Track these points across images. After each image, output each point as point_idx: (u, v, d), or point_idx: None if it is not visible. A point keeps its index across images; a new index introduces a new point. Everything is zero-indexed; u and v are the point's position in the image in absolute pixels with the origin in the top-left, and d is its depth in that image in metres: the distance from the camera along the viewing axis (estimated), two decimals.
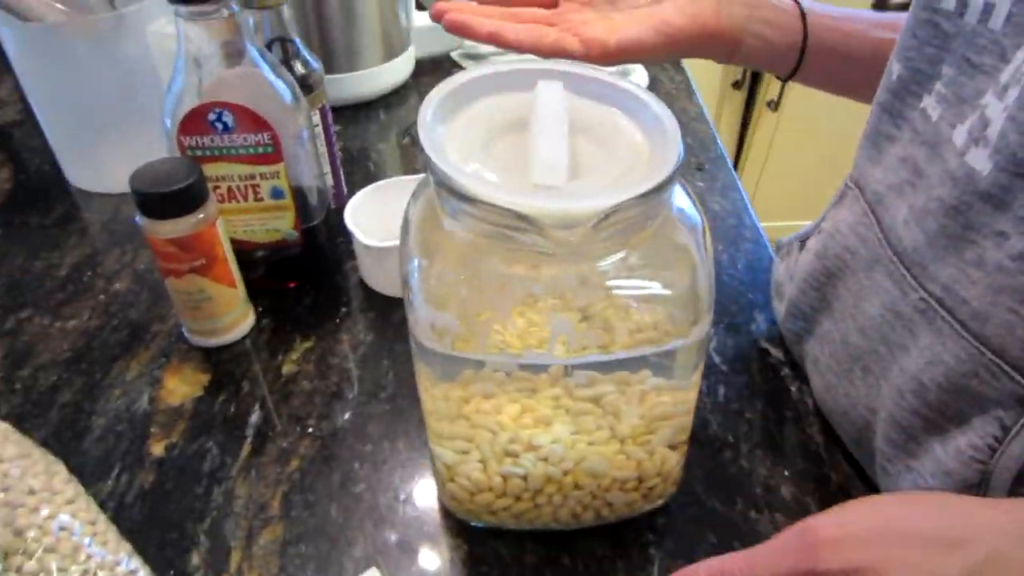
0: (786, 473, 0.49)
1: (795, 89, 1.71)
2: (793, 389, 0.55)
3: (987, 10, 0.37)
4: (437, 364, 0.38)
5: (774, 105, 1.73)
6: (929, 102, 0.42)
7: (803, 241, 0.56)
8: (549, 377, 0.39)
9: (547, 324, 0.37)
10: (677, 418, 0.41)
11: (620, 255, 0.34)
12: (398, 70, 0.93)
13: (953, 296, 0.38)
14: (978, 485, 0.38)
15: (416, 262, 0.36)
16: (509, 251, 0.34)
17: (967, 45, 0.39)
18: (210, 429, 0.52)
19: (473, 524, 0.45)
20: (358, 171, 0.80)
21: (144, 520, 0.46)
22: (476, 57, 1.01)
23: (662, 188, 0.32)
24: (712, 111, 1.52)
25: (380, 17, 0.88)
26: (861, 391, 0.46)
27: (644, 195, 0.32)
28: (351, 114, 0.91)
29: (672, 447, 0.42)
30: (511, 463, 0.41)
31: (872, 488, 0.48)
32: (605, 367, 0.38)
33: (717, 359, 0.57)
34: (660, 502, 0.46)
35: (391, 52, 0.91)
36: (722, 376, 0.56)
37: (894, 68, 0.46)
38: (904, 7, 0.54)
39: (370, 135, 0.87)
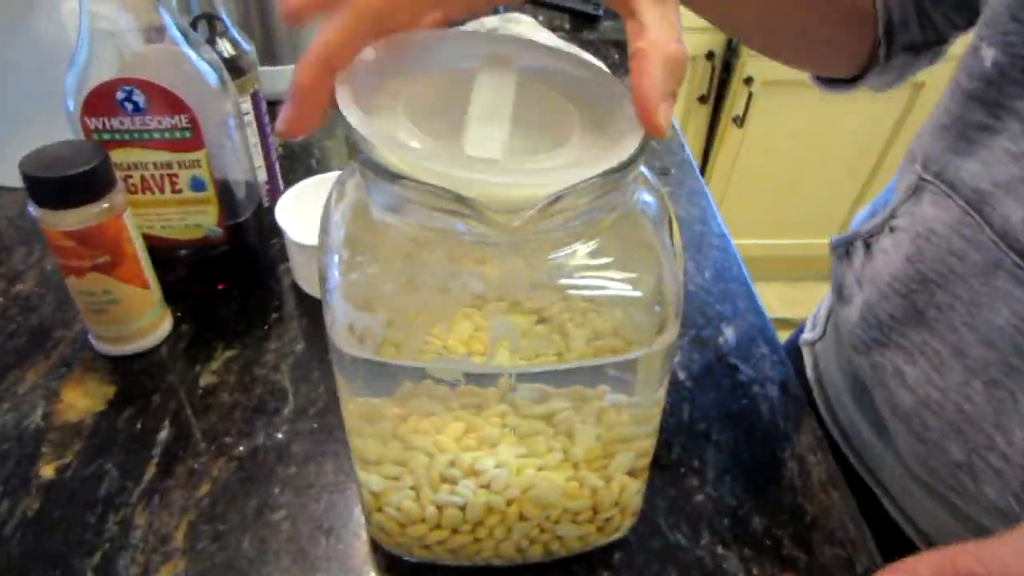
0: (756, 503, 0.44)
1: (760, 105, 1.70)
2: (764, 409, 0.50)
3: None
4: (359, 374, 0.33)
5: (739, 121, 1.71)
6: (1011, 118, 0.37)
7: (867, 241, 0.50)
8: (497, 391, 0.34)
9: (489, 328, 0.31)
10: (638, 440, 0.36)
11: (573, 248, 0.29)
12: None
13: None
14: None
15: (336, 256, 0.31)
16: (449, 244, 0.29)
17: None
18: (111, 448, 0.45)
19: (406, 559, 0.40)
20: (299, 167, 0.74)
21: (24, 554, 0.40)
22: None
23: (621, 170, 0.28)
24: (678, 125, 1.49)
25: None
26: (984, 407, 0.41)
27: (601, 175, 0.27)
28: None
29: (631, 473, 0.37)
30: (448, 491, 0.35)
31: (851, 521, 0.43)
32: (558, 379, 0.33)
33: (682, 375, 0.53)
34: (617, 535, 0.41)
35: None
36: (687, 393, 0.51)
37: (986, 54, 0.40)
38: None
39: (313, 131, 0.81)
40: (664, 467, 0.46)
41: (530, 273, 0.31)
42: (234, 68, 0.57)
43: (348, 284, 0.31)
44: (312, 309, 0.56)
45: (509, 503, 0.35)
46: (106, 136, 0.49)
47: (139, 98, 0.48)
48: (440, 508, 0.35)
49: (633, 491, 0.38)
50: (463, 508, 0.35)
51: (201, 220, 0.54)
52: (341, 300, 0.31)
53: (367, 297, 0.31)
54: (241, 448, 0.46)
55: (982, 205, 0.41)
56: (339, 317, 0.31)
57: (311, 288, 0.57)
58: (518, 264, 0.30)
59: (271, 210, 0.64)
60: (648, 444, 0.37)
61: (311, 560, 0.40)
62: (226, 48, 0.57)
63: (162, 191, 0.52)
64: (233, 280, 0.58)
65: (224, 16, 0.57)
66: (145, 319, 0.51)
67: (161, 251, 0.54)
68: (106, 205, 0.47)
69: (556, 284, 0.31)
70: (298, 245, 0.54)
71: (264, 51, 0.81)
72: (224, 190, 0.53)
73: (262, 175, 0.63)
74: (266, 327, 0.55)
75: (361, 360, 0.31)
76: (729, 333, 0.56)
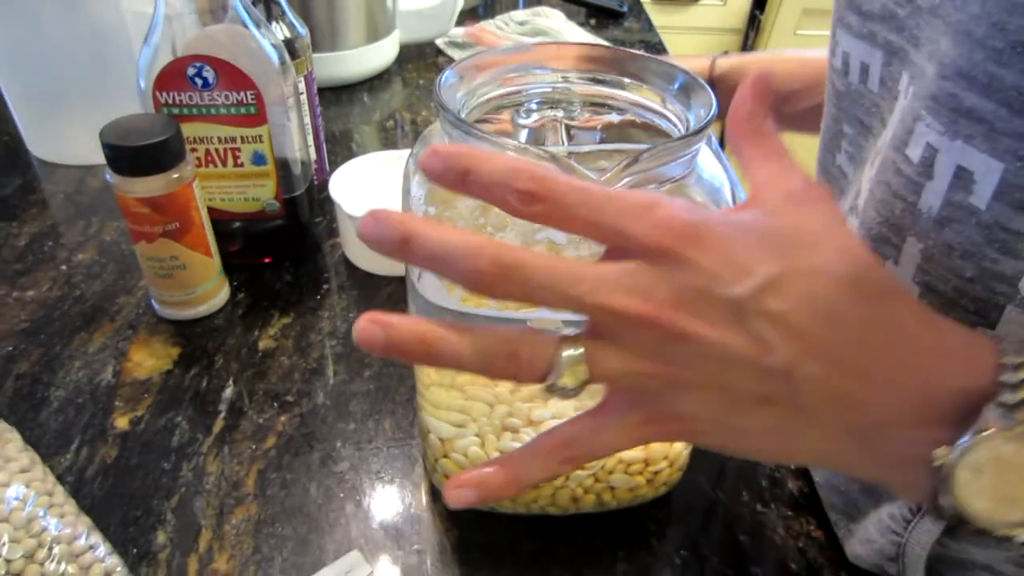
0: (792, 467, 0.47)
1: None
2: None
3: (864, 70, 0.36)
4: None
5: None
6: (842, 160, 0.41)
7: None
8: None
9: None
10: None
11: None
12: (382, 53, 0.91)
13: None
14: (894, 559, 0.36)
15: (421, 212, 0.34)
16: None
17: (856, 106, 0.38)
18: (180, 404, 0.48)
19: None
20: (340, 152, 0.77)
21: (106, 496, 0.42)
22: (462, 46, 0.98)
23: (693, 135, 0.30)
24: None
25: None
26: None
27: (676, 140, 0.29)
28: (333, 96, 0.88)
29: None
30: (511, 438, 0.38)
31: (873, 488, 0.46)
32: None
33: None
34: (664, 490, 0.43)
35: (375, 34, 0.89)
36: None
37: (823, 124, 0.44)
38: None
39: (353, 117, 0.84)
40: None
41: None
42: (290, 50, 0.60)
43: None
44: (362, 282, 0.59)
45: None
46: (175, 111, 0.52)
47: (208, 74, 0.51)
48: (503, 451, 0.38)
49: (682, 446, 0.41)
50: None
51: (260, 194, 0.56)
52: None
53: None
54: (302, 406, 0.48)
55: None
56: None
57: (361, 261, 0.59)
58: None
59: (319, 189, 0.67)
60: None
61: (374, 507, 0.43)
62: (282, 30, 0.60)
63: (225, 164, 0.55)
64: (286, 253, 0.61)
65: (282, 1, 0.60)
66: (207, 285, 0.54)
67: (220, 222, 0.56)
68: (177, 175, 0.49)
69: None
70: (352, 218, 0.56)
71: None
72: (281, 166, 0.56)
73: (312, 154, 0.65)
74: (318, 297, 0.57)
75: (449, 311, 0.34)
76: None
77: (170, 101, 0.52)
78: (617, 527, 0.43)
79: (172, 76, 0.51)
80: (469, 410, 0.38)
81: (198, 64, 0.50)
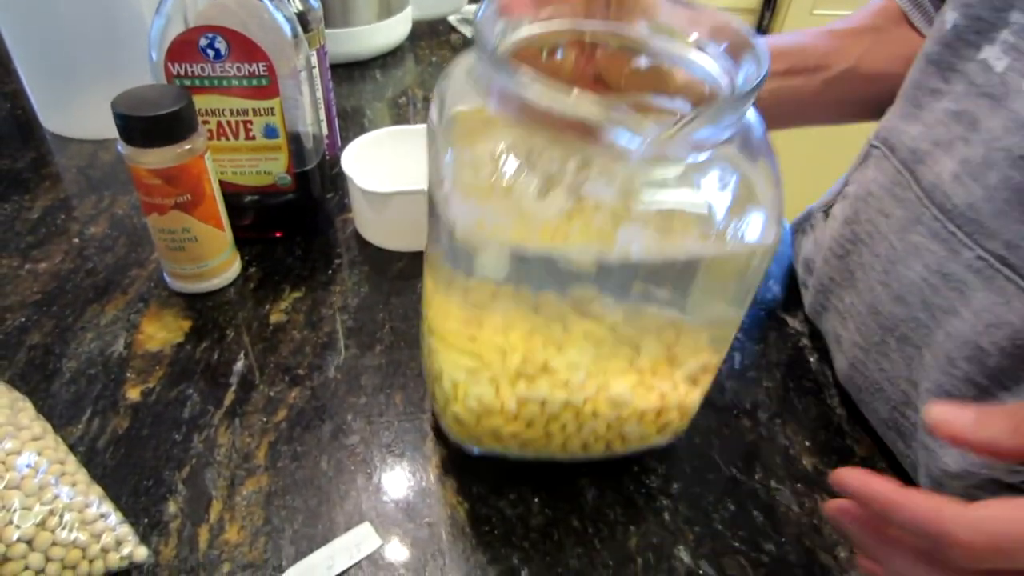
0: (807, 444, 0.46)
1: None
2: (812, 360, 0.52)
3: None
4: (468, 266, 0.34)
5: None
6: (992, 52, 0.39)
7: (826, 211, 0.53)
8: (571, 300, 0.35)
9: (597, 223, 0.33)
10: (707, 355, 0.38)
11: (693, 160, 0.31)
12: (395, 29, 0.90)
13: (1018, 253, 0.35)
14: None
15: (448, 152, 0.33)
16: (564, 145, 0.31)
17: None
18: (191, 376, 0.48)
19: (472, 450, 0.42)
20: (353, 126, 0.76)
21: (117, 466, 0.42)
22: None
23: (747, 95, 0.29)
24: None
25: None
26: (899, 364, 0.43)
27: (732, 99, 0.29)
28: (345, 72, 0.87)
29: (695, 381, 0.39)
30: (527, 387, 0.37)
31: (896, 464, 0.45)
32: (655, 277, 0.35)
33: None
34: (671, 439, 0.43)
35: (388, 10, 0.88)
36: (736, 343, 0.53)
37: (948, 17, 0.42)
38: None
39: (365, 94, 0.83)
40: (719, 409, 0.48)
41: (642, 179, 0.32)
42: (302, 23, 0.59)
43: (460, 169, 0.32)
44: (374, 257, 0.59)
45: (585, 402, 0.37)
46: (187, 82, 0.52)
47: (220, 45, 0.50)
48: (520, 402, 0.37)
49: (696, 396, 0.40)
50: (543, 404, 0.37)
51: (271, 167, 0.56)
52: (456, 192, 0.32)
53: (480, 187, 0.32)
54: (313, 379, 0.48)
55: (916, 164, 0.43)
56: (454, 205, 0.32)
57: (373, 236, 0.59)
58: (634, 171, 0.32)
59: (331, 164, 0.67)
60: (717, 360, 0.39)
61: (385, 480, 0.42)
62: (295, 3, 0.59)
63: (236, 137, 0.54)
64: (297, 227, 0.60)
65: None
66: (219, 258, 0.54)
67: (231, 196, 0.56)
68: (189, 146, 0.49)
69: (664, 190, 0.32)
70: (363, 192, 0.56)
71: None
72: (293, 139, 0.56)
73: (324, 129, 0.65)
74: (330, 272, 0.57)
75: (473, 248, 0.33)
76: (777, 290, 0.58)
77: (182, 73, 0.51)
78: (629, 501, 0.42)
79: (184, 47, 0.50)
80: (482, 355, 0.37)
81: (210, 35, 0.50)
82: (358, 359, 0.50)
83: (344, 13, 0.85)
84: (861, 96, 0.53)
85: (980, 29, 0.40)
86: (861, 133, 0.51)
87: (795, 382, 0.50)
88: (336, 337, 0.51)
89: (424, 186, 0.55)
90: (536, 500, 0.42)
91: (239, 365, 0.49)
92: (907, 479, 0.45)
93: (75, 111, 0.73)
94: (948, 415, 0.27)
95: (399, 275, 0.57)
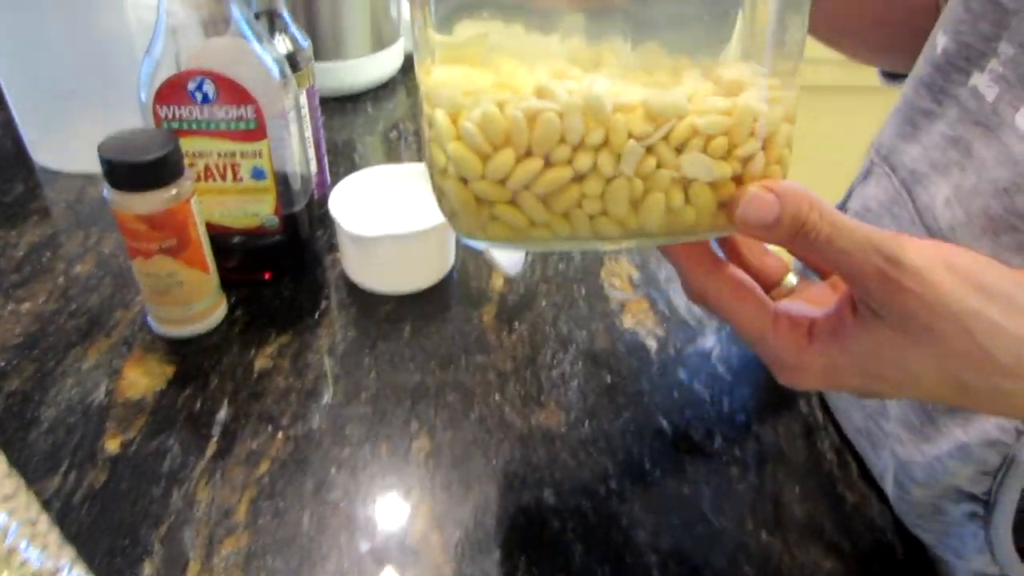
0: (797, 491, 0.46)
1: None
2: (802, 402, 0.52)
3: None
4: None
5: None
6: (981, 80, 0.40)
7: None
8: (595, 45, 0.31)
9: None
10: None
11: None
12: (387, 62, 0.90)
13: None
14: (998, 469, 0.37)
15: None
16: None
17: None
18: (172, 425, 0.47)
19: (478, 245, 0.35)
20: (342, 163, 0.76)
21: (92, 523, 0.41)
22: None
23: None
24: None
25: (370, 5, 0.85)
26: None
27: None
28: (337, 106, 0.87)
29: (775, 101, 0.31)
30: (538, 97, 0.29)
31: (888, 507, 0.45)
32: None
33: (720, 368, 0.54)
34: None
35: (380, 43, 0.88)
36: (727, 386, 0.53)
37: (939, 41, 0.43)
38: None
39: (356, 128, 0.83)
40: (708, 456, 0.47)
41: None
42: (292, 63, 0.59)
43: None
44: (361, 299, 0.58)
45: (616, 111, 0.29)
46: (175, 125, 0.51)
47: (209, 88, 0.50)
48: (531, 117, 0.29)
49: (782, 129, 0.31)
50: (560, 116, 0.29)
51: (259, 209, 0.56)
52: None
53: None
54: (297, 429, 0.47)
55: (914, 185, 0.43)
56: None
57: (360, 279, 0.58)
58: None
59: (320, 203, 0.66)
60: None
61: (369, 538, 0.42)
62: (285, 43, 0.59)
63: (224, 179, 0.54)
64: (285, 269, 0.60)
65: (284, 13, 0.59)
66: (204, 302, 0.53)
67: (218, 238, 0.55)
68: (175, 191, 0.48)
69: None
70: (352, 236, 0.55)
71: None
72: (281, 181, 0.55)
73: (312, 167, 0.64)
74: (317, 315, 0.56)
75: None
76: None
77: (170, 115, 0.51)
78: (618, 559, 0.41)
79: (173, 90, 0.50)
80: (483, 85, 0.30)
81: (198, 78, 0.50)
82: (343, 408, 0.49)
83: (336, 46, 0.85)
84: (871, 13, 0.53)
85: (969, 56, 0.41)
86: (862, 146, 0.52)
87: (785, 426, 0.50)
88: (321, 384, 0.51)
89: (413, 228, 0.54)
90: (523, 558, 0.41)
91: (222, 414, 0.48)
92: (875, 486, 0.46)
93: (65, 144, 0.73)
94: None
95: (386, 318, 0.56)
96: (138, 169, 0.46)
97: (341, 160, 0.76)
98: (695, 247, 0.34)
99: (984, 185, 0.38)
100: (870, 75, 0.63)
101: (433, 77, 0.31)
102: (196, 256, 0.51)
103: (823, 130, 1.74)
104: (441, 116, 0.30)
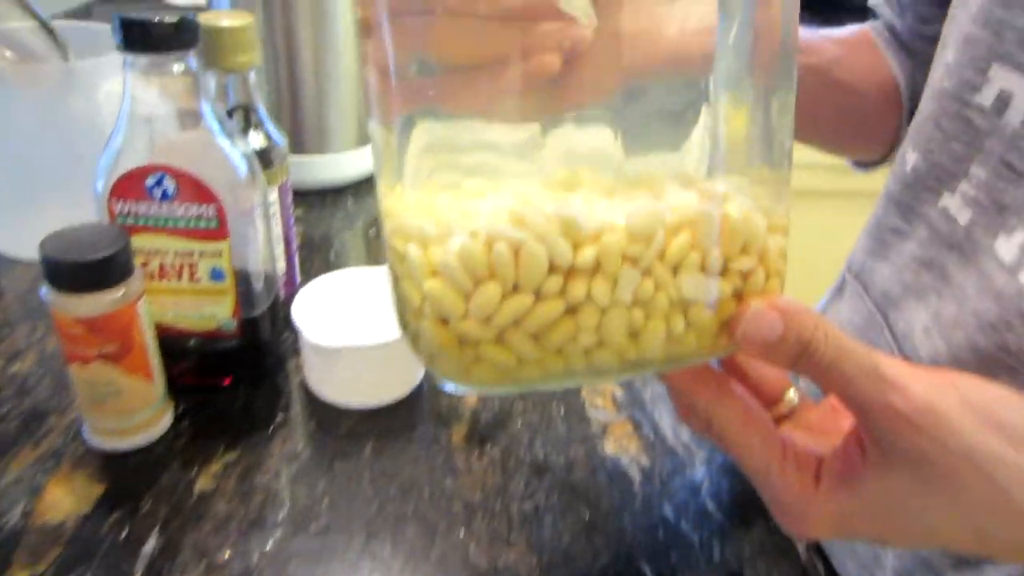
0: None
1: None
2: (800, 548, 0.47)
3: None
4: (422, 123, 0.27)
5: None
6: (952, 201, 0.38)
7: None
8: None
9: None
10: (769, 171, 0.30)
11: None
12: (370, 157, 0.88)
13: None
14: None
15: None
16: None
17: (1007, 148, 0.35)
18: (90, 559, 0.42)
19: (459, 389, 0.31)
20: (317, 260, 0.73)
21: None
22: None
23: None
24: None
25: (356, 99, 0.83)
26: None
27: None
28: (317, 199, 0.84)
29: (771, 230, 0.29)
30: (521, 224, 0.26)
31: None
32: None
33: (711, 505, 0.49)
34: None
35: (365, 137, 0.86)
36: (717, 527, 0.48)
37: (908, 158, 0.42)
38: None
39: (335, 222, 0.80)
40: None
41: None
42: (265, 159, 0.56)
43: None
44: (320, 412, 0.53)
45: (604, 232, 0.26)
46: (131, 221, 0.48)
47: (169, 185, 0.47)
48: (515, 248, 0.26)
49: (776, 253, 0.29)
50: (545, 244, 0.26)
51: (216, 311, 0.52)
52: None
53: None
54: (233, 568, 0.42)
55: (889, 308, 0.42)
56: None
57: (322, 390, 0.54)
58: None
59: (287, 302, 0.62)
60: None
61: None
62: (259, 139, 0.57)
63: (180, 279, 0.50)
64: (241, 376, 0.55)
65: (260, 108, 0.57)
66: (145, 413, 0.48)
67: (169, 341, 0.51)
68: (122, 292, 0.45)
69: None
70: (313, 346, 0.51)
71: (292, 141, 0.81)
72: (242, 281, 0.52)
73: (281, 266, 0.61)
74: (271, 429, 0.52)
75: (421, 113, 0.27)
76: None
77: (126, 211, 0.48)
78: None
79: (129, 185, 0.47)
80: (455, 214, 0.28)
81: (159, 174, 0.47)
82: (289, 540, 0.44)
83: (319, 139, 0.83)
84: (832, 102, 0.53)
85: (940, 176, 0.39)
86: (836, 262, 0.50)
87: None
88: (267, 512, 0.45)
89: (380, 339, 0.51)
90: None
91: (149, 546, 0.43)
92: None
93: (26, 231, 0.69)
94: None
95: (347, 434, 0.52)
96: (80, 269, 0.43)
97: (315, 257, 0.73)
98: (698, 371, 0.31)
99: (967, 317, 0.35)
100: (847, 180, 0.63)
101: (400, 205, 0.28)
102: (139, 363, 0.47)
103: (795, 238, 1.74)
104: (415, 251, 0.28)
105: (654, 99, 0.28)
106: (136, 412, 0.48)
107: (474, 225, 0.26)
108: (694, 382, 0.31)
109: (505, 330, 0.27)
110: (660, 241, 0.27)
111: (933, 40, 0.46)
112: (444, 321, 0.27)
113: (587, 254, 0.26)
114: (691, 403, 0.31)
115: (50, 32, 0.61)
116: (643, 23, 0.26)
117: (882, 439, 0.27)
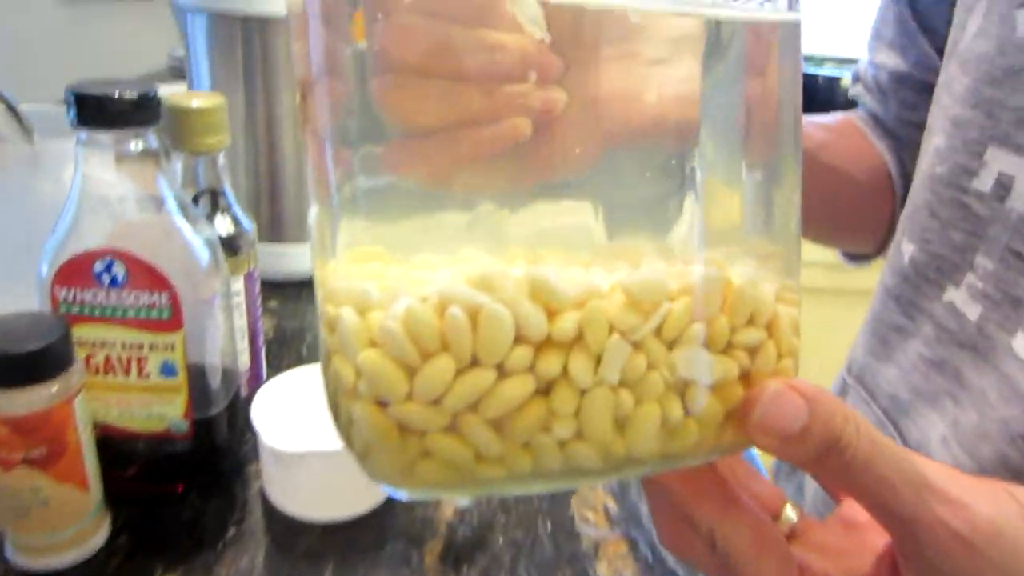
0: None
1: None
2: None
3: None
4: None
5: None
6: (958, 296, 0.35)
7: None
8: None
9: None
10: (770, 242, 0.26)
11: None
12: None
13: None
14: None
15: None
16: None
17: (1013, 235, 0.32)
18: None
19: (400, 495, 0.24)
20: (289, 354, 0.68)
21: None
22: None
23: None
24: None
25: None
26: None
27: None
28: (294, 291, 0.80)
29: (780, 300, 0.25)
30: (480, 285, 0.22)
31: None
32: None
33: None
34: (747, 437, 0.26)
35: None
36: None
37: (905, 249, 0.39)
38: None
39: (309, 315, 0.76)
40: None
41: None
42: (231, 246, 0.53)
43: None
44: (278, 526, 0.48)
45: (584, 301, 0.22)
46: (74, 309, 0.44)
47: (119, 271, 0.43)
48: (473, 313, 0.21)
49: (787, 323, 0.24)
50: (512, 309, 0.21)
51: (165, 411, 0.47)
52: None
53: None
54: None
55: (900, 416, 0.38)
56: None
57: (281, 501, 0.48)
58: None
59: (250, 400, 0.57)
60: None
61: None
62: (226, 225, 0.53)
63: (127, 374, 0.45)
64: (193, 482, 0.50)
65: (228, 192, 0.53)
66: (77, 526, 0.43)
67: (113, 443, 0.46)
68: (56, 388, 0.40)
69: None
70: (271, 450, 0.46)
71: (271, 228, 0.78)
72: (197, 377, 0.47)
73: (244, 361, 0.56)
74: (220, 546, 0.46)
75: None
76: None
77: (70, 298, 0.44)
78: None
79: (74, 270, 0.43)
80: (398, 279, 0.23)
81: (107, 259, 0.43)
82: None
83: (299, 228, 0.80)
84: (820, 188, 0.50)
85: (941, 268, 0.36)
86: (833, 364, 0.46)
87: None
88: None
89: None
90: None
91: None
92: None
93: None
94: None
95: (306, 553, 0.46)
96: (6, 361, 0.38)
97: (286, 352, 0.69)
98: (700, 476, 0.26)
99: (991, 426, 0.32)
100: (840, 277, 0.60)
101: (336, 272, 0.23)
102: (72, 469, 0.42)
103: None
104: (349, 316, 0.22)
105: (637, 171, 0.24)
106: (66, 526, 0.42)
107: (425, 291, 0.22)
108: (695, 490, 0.25)
109: (459, 415, 0.22)
110: (664, 312, 0.22)
111: (919, 126, 0.44)
112: (382, 403, 0.22)
113: (567, 322, 0.21)
114: (688, 518, 0.26)
115: (15, 114, 0.58)
116: (619, 85, 0.22)
117: (923, 558, 0.22)
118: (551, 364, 0.21)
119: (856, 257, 0.57)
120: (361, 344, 0.22)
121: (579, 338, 0.22)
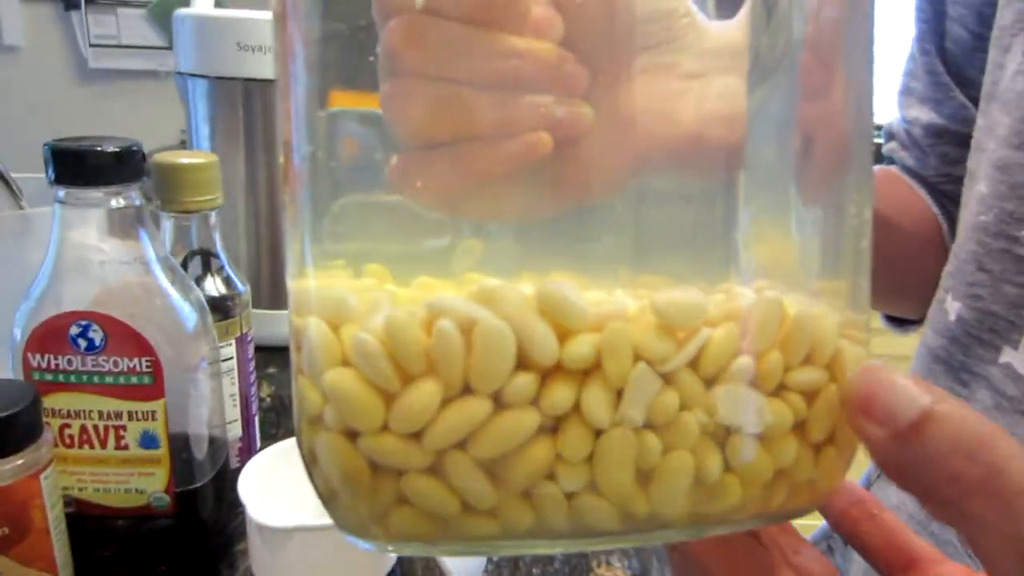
0: None
1: None
2: None
3: None
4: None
5: None
6: (1017, 357, 0.31)
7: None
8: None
9: None
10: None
11: None
12: None
13: None
14: None
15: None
16: None
17: None
18: None
19: (366, 545, 0.20)
20: (286, 422, 0.65)
21: None
22: None
23: None
24: None
25: None
26: None
27: None
28: None
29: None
30: (477, 297, 0.19)
31: None
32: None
33: None
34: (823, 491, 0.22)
35: None
36: None
37: (950, 307, 0.35)
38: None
39: None
40: None
41: None
42: (223, 308, 0.50)
43: None
44: None
45: (603, 322, 0.18)
46: (48, 376, 0.41)
47: (96, 335, 0.40)
48: (467, 329, 0.18)
49: (837, 332, 0.21)
50: (515, 325, 0.18)
51: (146, 485, 0.43)
52: None
53: None
54: None
55: None
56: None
57: None
58: None
59: (240, 471, 0.54)
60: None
61: None
62: (217, 287, 0.51)
63: (104, 446, 0.42)
64: (175, 563, 0.46)
65: (221, 253, 0.51)
66: None
67: (88, 521, 0.43)
68: (21, 462, 0.37)
69: None
70: (258, 525, 0.42)
71: (271, 293, 0.76)
72: (180, 448, 0.44)
73: (235, 430, 0.53)
74: None
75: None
76: None
77: (43, 365, 0.41)
78: None
79: (48, 334, 0.41)
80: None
81: (83, 322, 0.40)
82: None
83: None
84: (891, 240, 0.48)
85: (995, 327, 0.33)
86: None
87: None
88: None
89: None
90: None
91: None
92: None
93: None
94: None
95: None
96: None
97: (284, 420, 0.66)
98: (738, 544, 0.22)
99: None
100: (878, 342, 0.57)
101: (308, 279, 0.20)
102: (38, 551, 0.38)
103: None
104: (317, 327, 0.18)
105: (672, 198, 0.21)
106: None
107: (412, 304, 0.18)
108: (731, 565, 0.22)
109: (444, 454, 0.18)
110: (703, 339, 0.18)
111: (963, 180, 0.42)
112: (351, 435, 0.18)
113: (582, 345, 0.18)
114: None
115: (3, 180, 0.57)
116: (655, 99, 0.20)
117: None
118: (560, 396, 0.18)
119: (902, 322, 0.53)
120: (329, 362, 0.18)
121: (597, 366, 0.18)
